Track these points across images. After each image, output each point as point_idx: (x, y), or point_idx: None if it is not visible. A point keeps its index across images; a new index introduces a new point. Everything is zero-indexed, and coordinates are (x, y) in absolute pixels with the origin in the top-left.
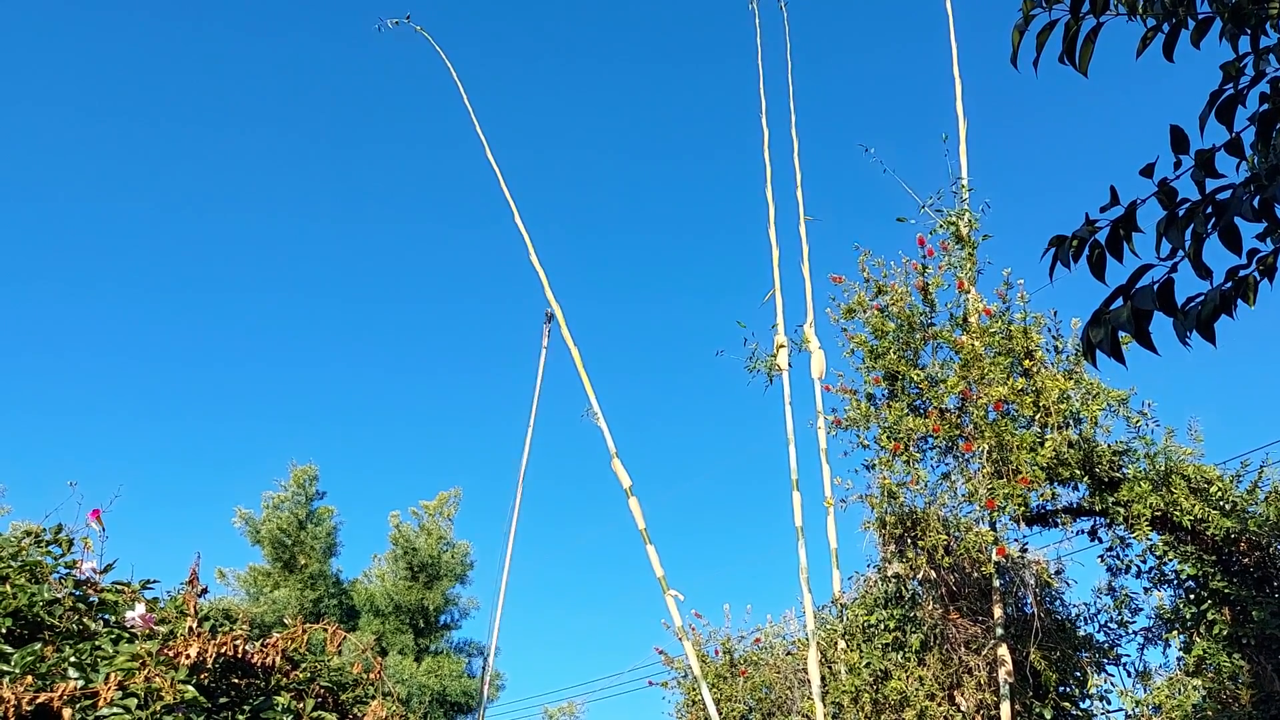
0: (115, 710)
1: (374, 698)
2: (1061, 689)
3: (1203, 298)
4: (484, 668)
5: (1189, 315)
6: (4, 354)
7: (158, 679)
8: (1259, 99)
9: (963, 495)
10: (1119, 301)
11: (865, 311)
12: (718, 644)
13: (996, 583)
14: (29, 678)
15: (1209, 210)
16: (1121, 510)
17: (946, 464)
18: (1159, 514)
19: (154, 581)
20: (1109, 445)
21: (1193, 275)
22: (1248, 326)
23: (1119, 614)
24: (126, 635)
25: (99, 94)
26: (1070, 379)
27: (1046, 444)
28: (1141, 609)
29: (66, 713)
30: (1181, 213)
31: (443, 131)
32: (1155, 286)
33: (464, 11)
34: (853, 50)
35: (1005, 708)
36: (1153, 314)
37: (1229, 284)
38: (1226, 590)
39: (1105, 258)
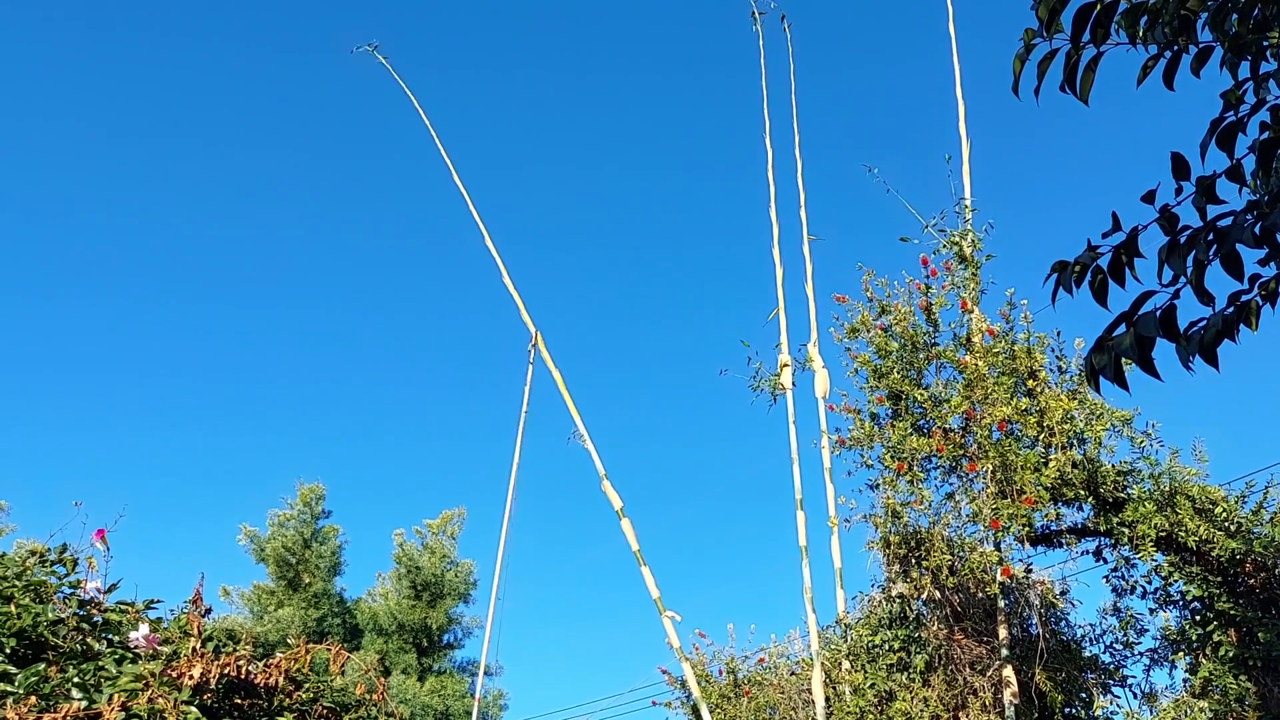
0: None
1: (377, 718)
2: (1067, 710)
3: (1205, 323)
4: (477, 687)
5: (1192, 340)
6: (7, 369)
7: (161, 700)
8: (1259, 127)
9: (967, 515)
10: (1122, 328)
11: (869, 331)
12: (722, 664)
13: (1001, 603)
14: (33, 698)
15: (1210, 237)
16: (1126, 531)
17: (950, 484)
18: (1164, 535)
19: (158, 601)
20: (1113, 465)
21: (1195, 301)
22: (1251, 349)
23: (1124, 635)
24: (130, 656)
25: (98, 106)
26: (1074, 399)
27: (1050, 464)
28: (1147, 630)
29: None
30: (1183, 239)
31: (448, 145)
32: (1158, 312)
33: (477, 24)
34: (856, 71)
35: None
36: (1156, 340)
37: (1231, 309)
38: (1232, 612)
39: (1107, 283)
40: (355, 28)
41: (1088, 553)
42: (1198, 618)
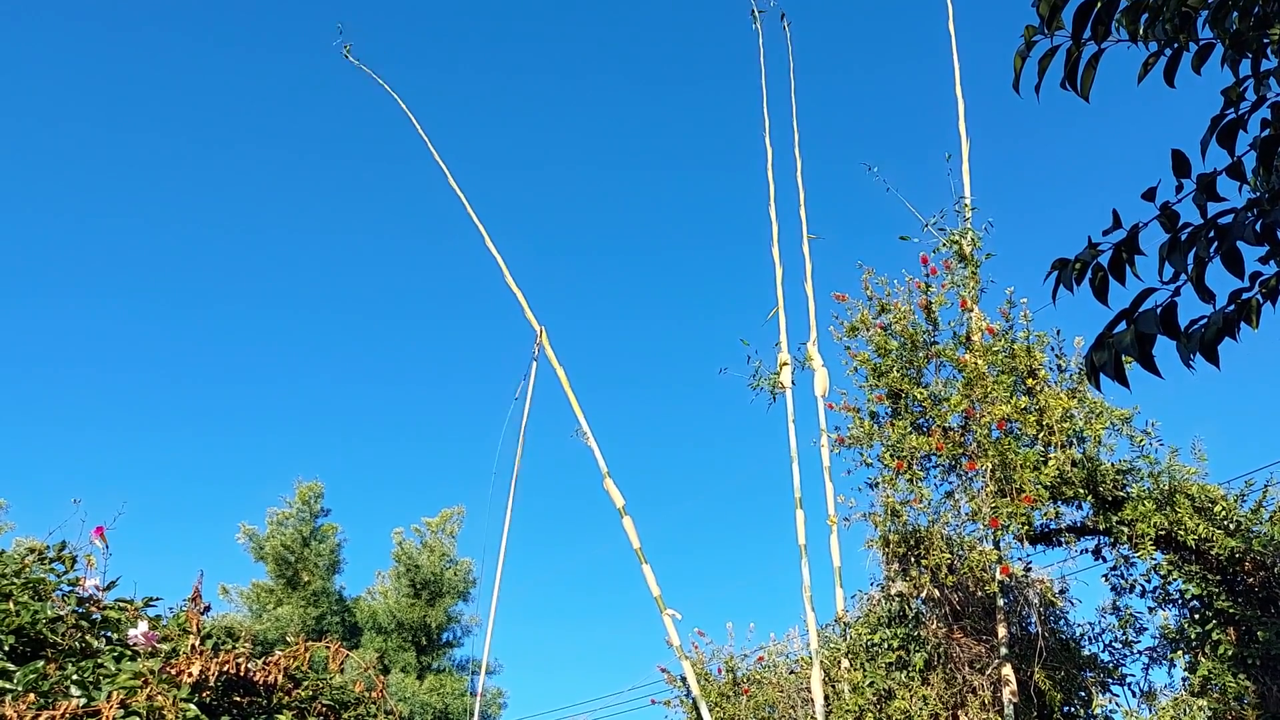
0: None
1: (376, 716)
2: (1066, 709)
3: (1205, 321)
4: (478, 686)
5: (1192, 338)
6: (7, 368)
7: (160, 697)
8: (1260, 124)
9: (966, 514)
10: (1122, 325)
11: (868, 330)
12: (721, 662)
13: (1000, 602)
14: (31, 695)
15: (1211, 234)
16: (1125, 529)
17: (950, 482)
18: (1163, 533)
19: (157, 599)
20: (1113, 464)
21: (1195, 298)
22: (1251, 347)
23: (1123, 634)
24: (129, 653)
25: (99, 106)
26: (1073, 398)
27: (1050, 463)
28: (1146, 629)
29: None
30: (1184, 236)
31: (447, 147)
32: (1158, 310)
33: (478, 24)
34: (856, 70)
35: None
36: (1156, 337)
37: (1232, 307)
38: (1231, 610)
39: (1108, 281)
40: (356, 29)
41: (1087, 551)
42: (1197, 616)
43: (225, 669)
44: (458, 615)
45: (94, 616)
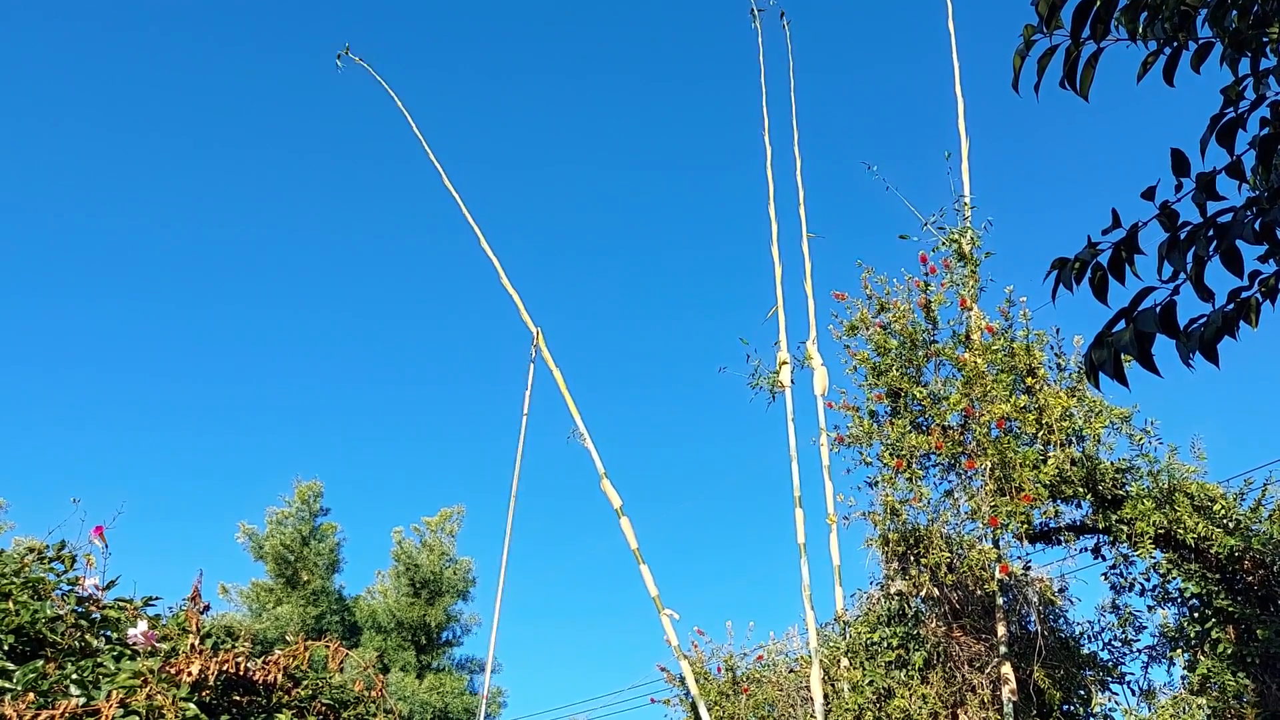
0: None
1: (376, 715)
2: (1065, 707)
3: (1205, 319)
4: (484, 685)
5: (1191, 337)
6: (6, 368)
7: (159, 696)
8: (1259, 123)
9: (965, 513)
10: (1121, 324)
11: (868, 328)
12: (720, 661)
13: (1000, 600)
14: (31, 695)
15: (1210, 233)
16: (1125, 528)
17: (949, 481)
18: (1162, 532)
19: (156, 598)
20: (1112, 463)
21: (1195, 297)
22: (1250, 346)
23: (1123, 632)
24: (128, 652)
25: (99, 106)
26: (1073, 396)
27: (1049, 461)
28: (1145, 627)
29: None
30: (1183, 235)
31: (447, 147)
32: (1158, 309)
33: (478, 24)
34: (856, 69)
35: None
36: (1155, 336)
37: (1231, 306)
38: (1231, 609)
39: (1107, 280)
40: (356, 30)
41: (1086, 550)
42: (1196, 615)
43: (225, 668)
44: (457, 614)
45: (93, 616)
